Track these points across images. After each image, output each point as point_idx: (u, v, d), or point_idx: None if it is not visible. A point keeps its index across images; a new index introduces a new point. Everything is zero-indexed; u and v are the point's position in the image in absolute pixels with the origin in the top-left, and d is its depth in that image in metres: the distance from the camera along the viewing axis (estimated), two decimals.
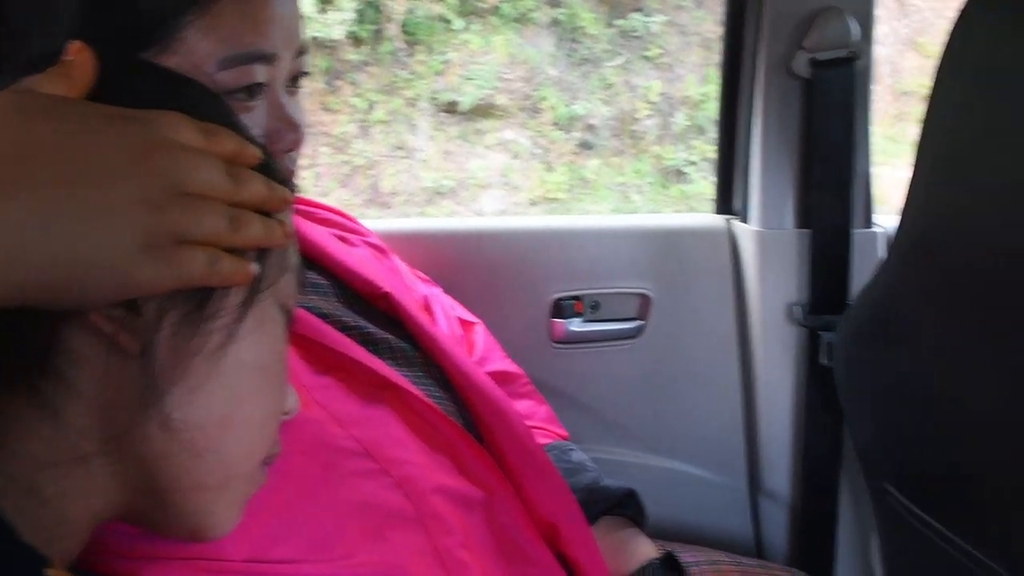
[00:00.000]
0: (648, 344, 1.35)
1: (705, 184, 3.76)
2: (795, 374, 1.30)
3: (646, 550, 0.90)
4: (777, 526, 1.39)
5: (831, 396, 1.14)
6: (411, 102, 3.98)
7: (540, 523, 0.79)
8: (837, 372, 1.01)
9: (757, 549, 1.41)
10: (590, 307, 1.32)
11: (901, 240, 0.86)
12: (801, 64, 1.21)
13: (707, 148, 3.81)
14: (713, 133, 1.44)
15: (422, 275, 1.12)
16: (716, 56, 1.38)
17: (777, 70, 1.23)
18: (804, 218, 1.28)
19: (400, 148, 3.93)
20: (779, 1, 1.21)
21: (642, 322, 1.34)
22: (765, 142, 1.26)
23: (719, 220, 1.38)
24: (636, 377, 1.35)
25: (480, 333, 1.09)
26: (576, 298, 1.33)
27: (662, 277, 1.34)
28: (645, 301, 1.33)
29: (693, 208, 4.01)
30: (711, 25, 4.08)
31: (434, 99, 4.00)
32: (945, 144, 0.79)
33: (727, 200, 1.39)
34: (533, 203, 3.84)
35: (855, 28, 1.19)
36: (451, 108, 4.01)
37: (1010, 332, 0.73)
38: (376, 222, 1.25)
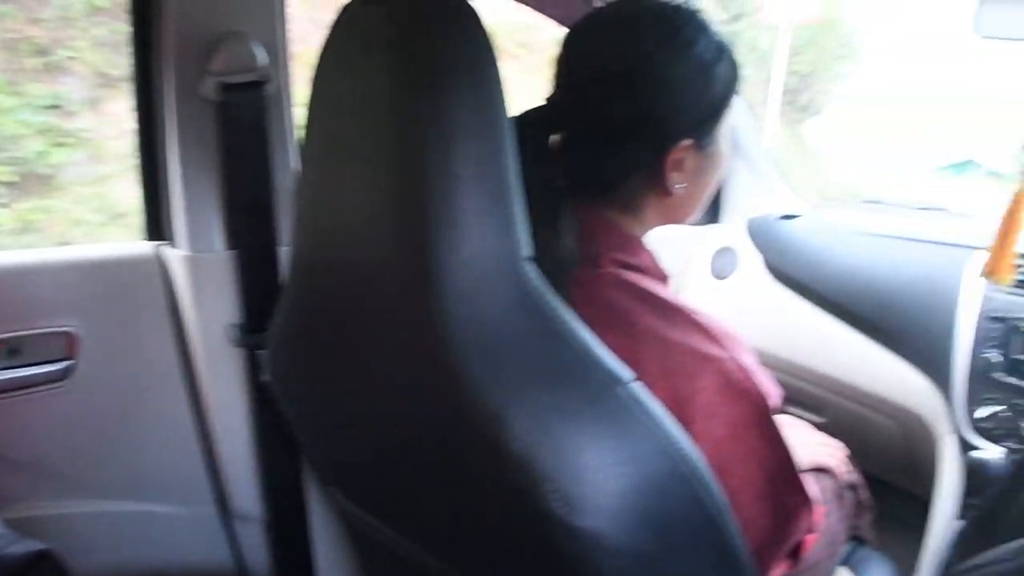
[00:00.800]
0: (81, 384, 1.28)
1: None
2: (243, 393, 1.31)
3: None
4: (256, 548, 1.39)
5: (279, 411, 1.15)
6: None
7: None
8: (273, 387, 1.02)
9: (241, 574, 1.40)
10: (7, 353, 1.22)
11: (294, 259, 0.88)
12: (210, 88, 1.21)
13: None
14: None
15: None
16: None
17: (187, 94, 1.22)
18: (232, 239, 1.28)
19: None
20: (182, 25, 1.19)
21: (71, 362, 1.27)
22: (184, 166, 1.25)
23: (148, 247, 1.34)
24: (72, 421, 1.28)
25: None
26: None
27: (92, 311, 1.28)
28: (72, 339, 1.26)
29: None
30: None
31: None
32: (314, 169, 0.82)
33: (157, 226, 1.35)
34: None
35: (261, 53, 1.22)
36: None
37: (372, 349, 0.78)
38: None
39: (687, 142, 0.92)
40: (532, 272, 0.72)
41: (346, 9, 0.75)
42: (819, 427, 1.74)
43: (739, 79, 0.97)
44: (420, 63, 0.68)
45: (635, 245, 0.96)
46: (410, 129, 0.68)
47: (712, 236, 2.14)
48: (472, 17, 0.71)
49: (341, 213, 0.77)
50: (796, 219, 2.05)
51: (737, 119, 2.01)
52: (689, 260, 2.13)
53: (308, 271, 0.85)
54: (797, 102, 8.94)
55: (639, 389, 0.74)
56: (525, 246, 0.72)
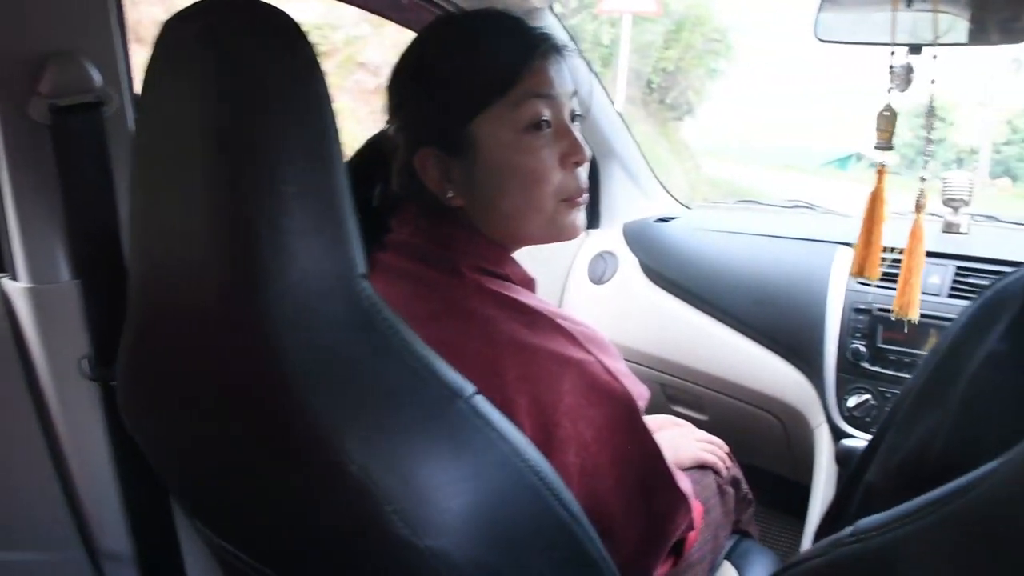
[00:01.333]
0: None
1: None
2: (101, 428, 1.24)
3: None
4: None
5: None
6: None
7: None
8: (125, 420, 0.96)
9: None
10: None
11: (131, 287, 0.83)
12: (39, 110, 1.14)
13: None
14: None
15: None
16: None
17: (14, 117, 1.14)
18: (77, 268, 1.21)
19: None
20: (4, 45, 1.12)
21: None
22: (18, 194, 1.17)
23: None
24: None
25: None
26: None
27: None
28: None
29: None
30: None
31: None
32: (141, 194, 0.78)
33: None
34: None
35: (96, 74, 1.16)
36: None
37: (208, 377, 0.75)
38: None
39: (426, 149, 0.92)
40: (367, 289, 0.70)
41: (165, 26, 0.72)
42: (702, 424, 1.78)
43: (505, 79, 0.91)
44: (239, 81, 0.65)
45: (497, 253, 0.95)
46: (231, 150, 0.65)
47: (589, 241, 2.17)
48: (294, 31, 0.68)
49: (169, 239, 0.73)
50: (671, 221, 2.09)
51: (606, 124, 2.06)
52: (569, 266, 2.15)
53: (143, 299, 0.82)
54: (666, 100, 8.82)
55: (480, 402, 0.72)
56: (359, 264, 0.70)
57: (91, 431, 1.25)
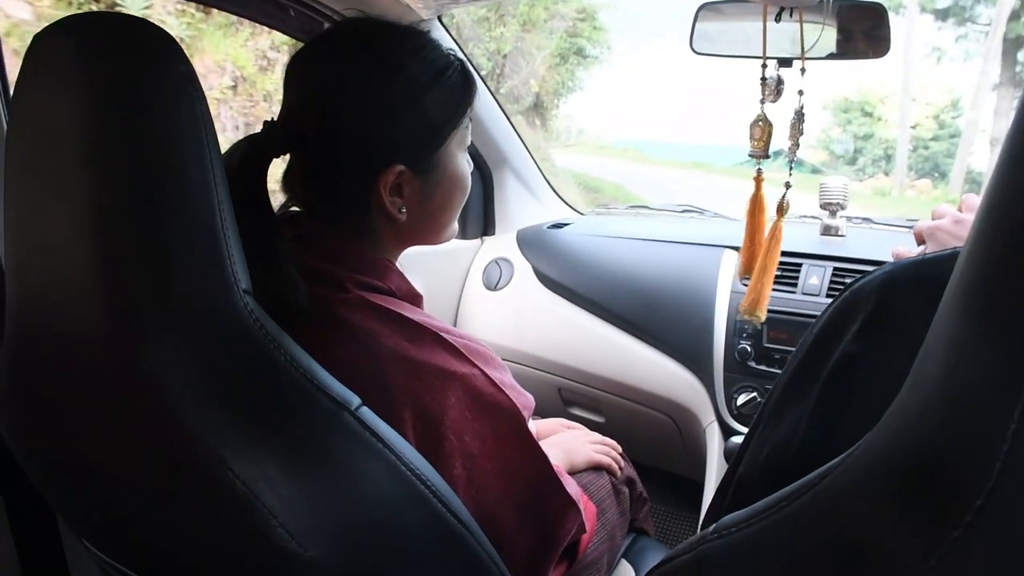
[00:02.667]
0: None
1: None
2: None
3: None
4: None
5: None
6: None
7: None
8: (7, 439, 0.93)
9: None
10: None
11: (8, 301, 0.80)
12: None
13: None
14: None
15: None
16: None
17: None
18: None
19: None
20: None
21: None
22: None
23: None
24: None
25: None
26: None
27: None
28: None
29: None
30: None
31: None
32: (13, 207, 0.75)
33: None
34: None
35: None
36: None
37: (89, 396, 0.73)
38: None
39: (398, 168, 0.91)
40: (250, 304, 0.70)
41: (37, 38, 0.70)
42: (599, 426, 1.81)
43: (465, 102, 0.96)
44: (111, 97, 0.64)
45: (382, 267, 0.95)
46: (103, 169, 0.64)
47: (484, 248, 2.19)
48: (170, 45, 0.67)
49: (44, 255, 0.71)
50: (564, 227, 2.13)
51: (498, 133, 2.09)
52: (465, 273, 2.16)
53: (20, 316, 0.79)
54: (500, 91, 7.83)
55: (366, 413, 0.73)
56: (242, 279, 0.70)
57: None
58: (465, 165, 1.00)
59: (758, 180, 1.28)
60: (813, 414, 0.71)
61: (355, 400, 0.73)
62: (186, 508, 0.71)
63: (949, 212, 0.92)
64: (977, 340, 0.38)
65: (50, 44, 0.68)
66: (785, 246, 1.33)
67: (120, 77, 0.65)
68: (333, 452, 0.70)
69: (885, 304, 0.70)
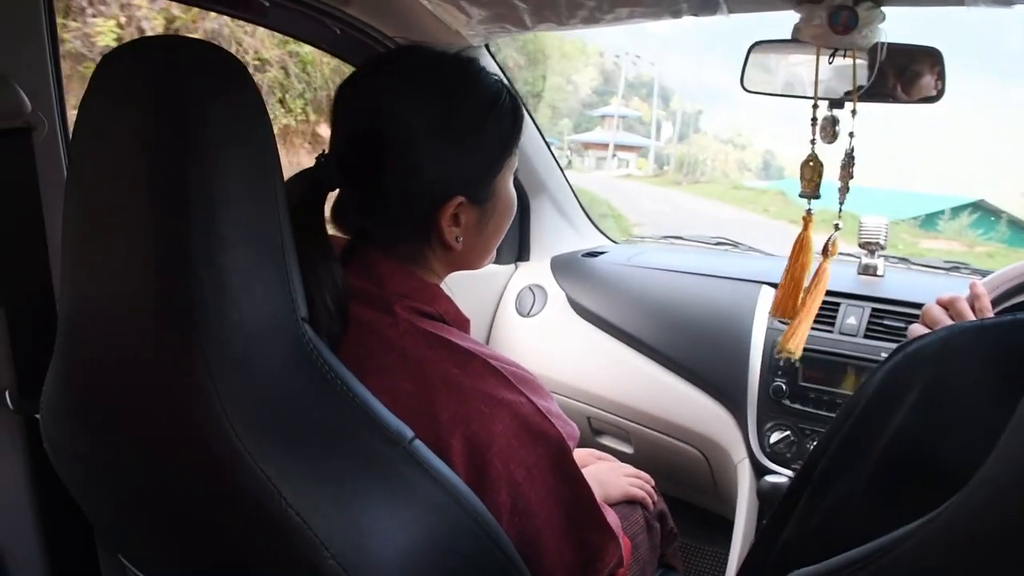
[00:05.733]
0: None
1: None
2: (23, 463, 1.21)
3: None
4: None
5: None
6: None
7: None
8: (50, 454, 0.93)
9: None
10: None
11: (60, 320, 0.80)
12: None
13: None
14: None
15: None
16: None
17: None
18: (3, 297, 1.17)
19: None
20: None
21: None
22: None
23: None
24: None
25: None
26: None
27: None
28: None
29: None
30: None
31: None
32: (73, 229, 0.75)
33: None
34: None
35: (26, 99, 1.13)
36: None
37: (140, 418, 0.73)
38: None
39: (459, 199, 0.92)
40: (308, 333, 0.70)
41: (106, 59, 0.70)
42: (628, 457, 1.80)
43: (516, 129, 0.97)
44: (180, 120, 0.64)
45: (431, 292, 0.96)
46: (170, 190, 0.64)
47: (518, 274, 2.19)
48: (239, 73, 0.68)
49: (102, 276, 0.72)
50: (599, 256, 2.13)
51: (538, 160, 2.09)
52: (498, 299, 2.16)
53: (72, 334, 0.79)
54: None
55: (419, 447, 0.73)
56: (300, 307, 0.70)
57: (12, 465, 1.21)
58: (514, 191, 1.02)
59: (807, 220, 1.28)
60: (872, 482, 0.70)
61: (409, 433, 0.73)
62: (236, 534, 0.71)
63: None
64: None
65: (118, 66, 0.69)
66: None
67: (190, 101, 0.65)
68: (386, 486, 0.70)
69: (941, 376, 0.70)
